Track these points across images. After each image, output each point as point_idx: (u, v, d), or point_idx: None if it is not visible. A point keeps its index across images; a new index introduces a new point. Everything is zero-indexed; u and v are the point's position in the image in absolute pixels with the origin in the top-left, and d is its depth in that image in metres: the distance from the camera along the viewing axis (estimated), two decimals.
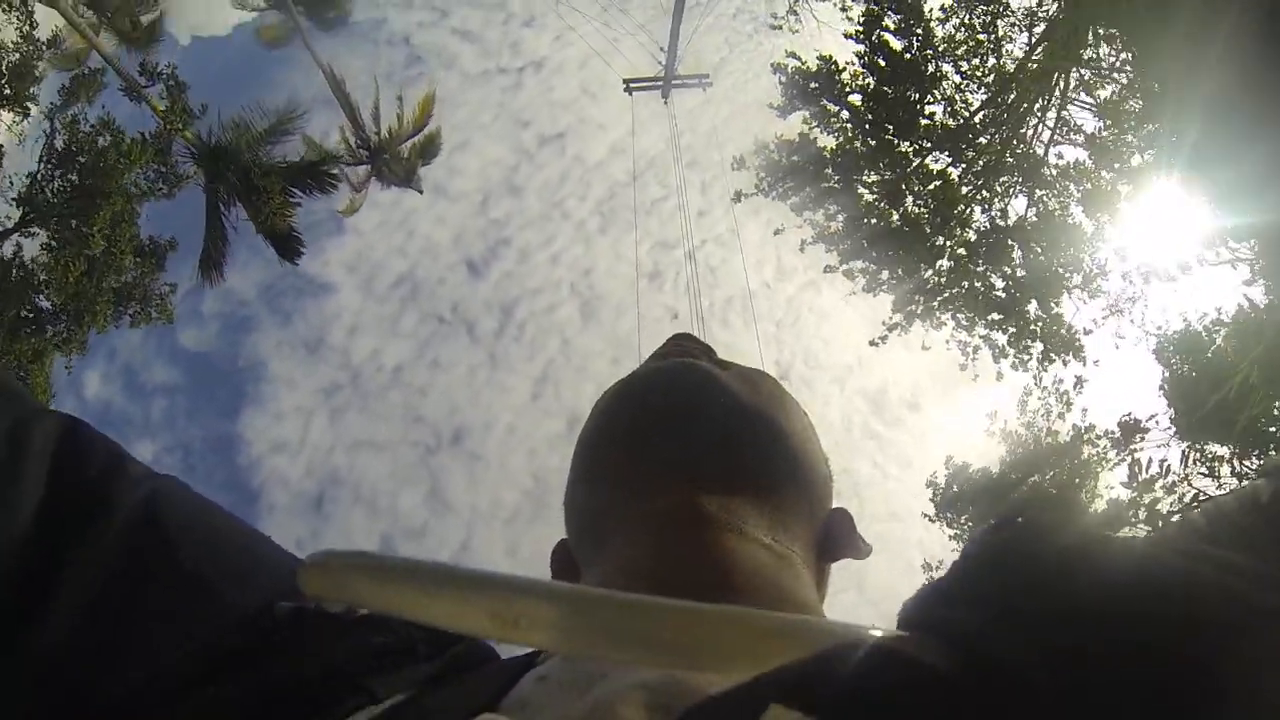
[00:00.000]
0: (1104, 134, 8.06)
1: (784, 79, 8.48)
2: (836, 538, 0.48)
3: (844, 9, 9.06)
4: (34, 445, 0.37)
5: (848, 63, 8.23)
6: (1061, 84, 7.95)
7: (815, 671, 0.24)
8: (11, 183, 10.18)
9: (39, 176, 10.11)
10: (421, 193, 14.38)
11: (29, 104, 10.48)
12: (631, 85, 11.85)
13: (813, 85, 8.38)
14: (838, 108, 8.22)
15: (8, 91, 10.14)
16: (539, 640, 0.27)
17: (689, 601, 0.26)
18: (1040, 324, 8.32)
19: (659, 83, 11.83)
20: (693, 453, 0.44)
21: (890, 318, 8.67)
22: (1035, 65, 7.72)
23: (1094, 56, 7.58)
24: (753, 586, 0.39)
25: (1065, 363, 8.51)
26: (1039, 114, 8.18)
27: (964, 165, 8.28)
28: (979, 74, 8.19)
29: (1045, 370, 8.65)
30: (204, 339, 20.77)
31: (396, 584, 0.28)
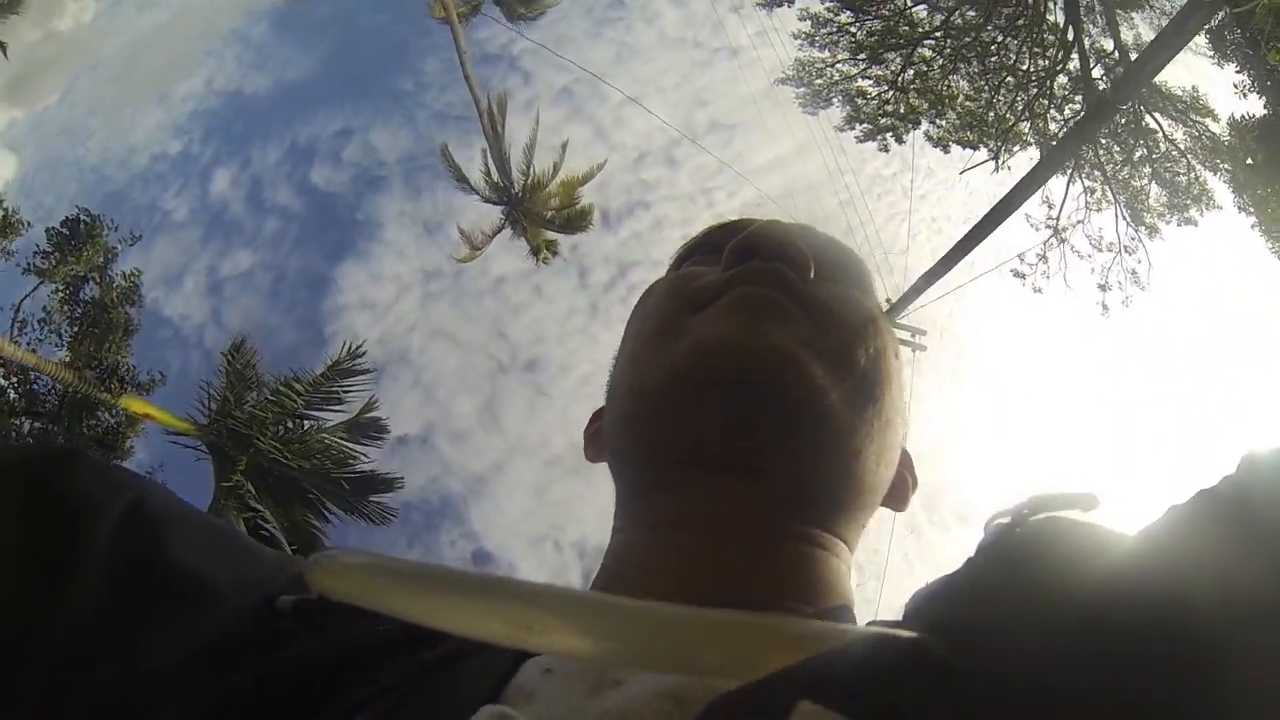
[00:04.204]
0: None
1: None
2: (888, 496, 0.46)
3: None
4: (21, 465, 0.38)
5: None
6: None
7: (847, 669, 0.24)
8: None
9: None
10: (548, 263, 12.03)
11: None
12: None
13: None
14: None
15: None
16: (554, 646, 0.26)
17: (705, 610, 0.26)
18: None
19: None
20: (759, 468, 0.39)
21: None
22: None
23: None
24: (801, 589, 0.38)
25: None
26: None
27: None
28: None
29: None
30: (335, 181, 21.49)
31: (409, 588, 0.27)
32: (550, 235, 11.88)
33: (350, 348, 7.74)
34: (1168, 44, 5.13)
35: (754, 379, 0.38)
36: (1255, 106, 9.13)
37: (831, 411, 0.39)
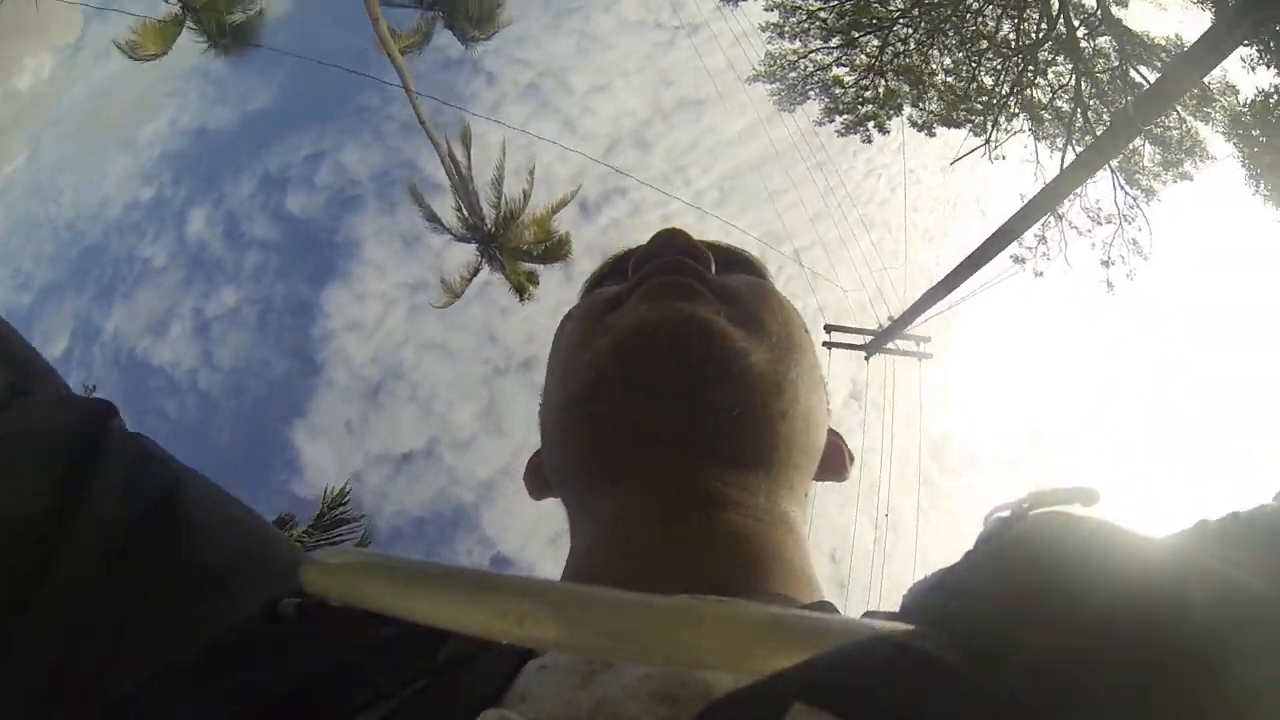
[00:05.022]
0: None
1: None
2: (826, 466, 0.48)
3: None
4: (63, 426, 0.38)
5: None
6: None
7: (841, 670, 0.23)
8: None
9: None
10: (531, 297, 11.50)
11: None
12: (832, 342, 8.70)
13: None
14: None
15: None
16: (543, 639, 0.26)
17: (694, 600, 0.26)
18: None
19: (869, 340, 8.72)
20: (698, 435, 0.41)
21: None
22: None
23: None
24: (759, 566, 0.39)
25: None
26: None
27: None
28: None
29: None
30: (310, 206, 21.12)
31: (399, 584, 0.27)
32: (529, 266, 11.35)
33: (330, 494, 7.38)
34: (1196, 63, 4.64)
35: (678, 350, 0.40)
36: (1263, 81, 8.59)
37: (755, 371, 0.41)
